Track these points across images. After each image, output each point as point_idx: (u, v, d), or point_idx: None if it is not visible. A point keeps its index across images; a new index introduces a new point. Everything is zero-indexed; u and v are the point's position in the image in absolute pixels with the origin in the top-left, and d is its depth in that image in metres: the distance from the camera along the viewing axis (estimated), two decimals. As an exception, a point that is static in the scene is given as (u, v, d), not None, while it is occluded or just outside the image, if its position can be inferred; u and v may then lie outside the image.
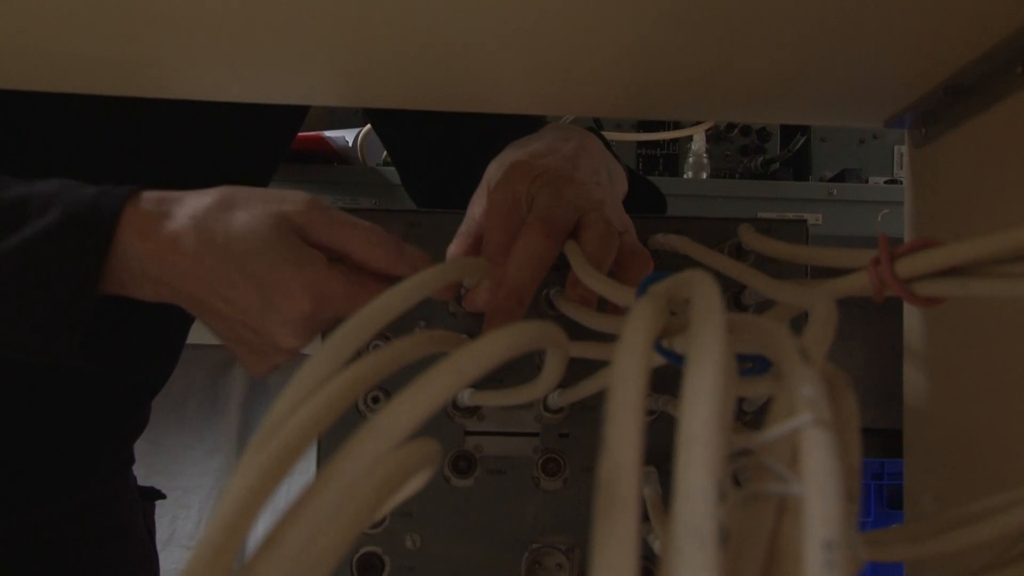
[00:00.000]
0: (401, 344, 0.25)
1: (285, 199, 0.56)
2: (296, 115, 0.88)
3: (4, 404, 0.75)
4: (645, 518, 0.59)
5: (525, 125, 0.76)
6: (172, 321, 0.77)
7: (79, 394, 0.79)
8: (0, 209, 0.55)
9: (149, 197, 0.56)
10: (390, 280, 0.56)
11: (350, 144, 1.47)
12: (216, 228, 0.55)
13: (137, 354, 0.70)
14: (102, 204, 0.55)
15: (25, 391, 0.75)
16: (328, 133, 1.47)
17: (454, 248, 0.61)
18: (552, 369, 0.39)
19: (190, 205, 0.56)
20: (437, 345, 0.29)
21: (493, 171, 0.63)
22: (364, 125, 1.49)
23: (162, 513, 1.92)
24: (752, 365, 0.31)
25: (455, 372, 0.20)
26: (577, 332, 0.48)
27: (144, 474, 2.02)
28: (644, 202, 0.79)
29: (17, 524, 0.76)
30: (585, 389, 0.53)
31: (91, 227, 0.54)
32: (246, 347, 0.58)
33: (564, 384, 0.58)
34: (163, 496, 0.98)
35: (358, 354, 0.25)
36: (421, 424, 0.20)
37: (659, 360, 0.31)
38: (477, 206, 0.63)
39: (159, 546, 1.98)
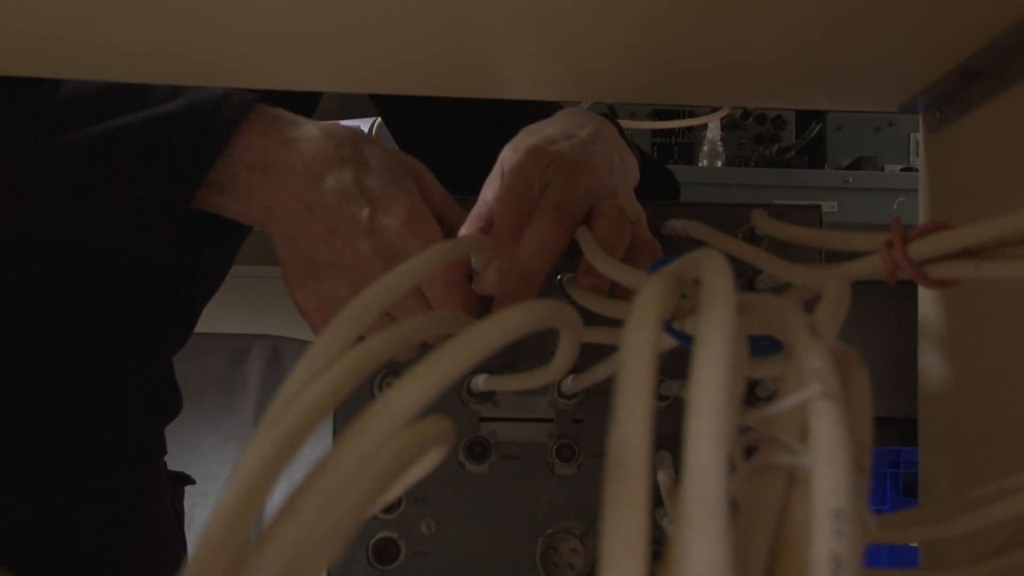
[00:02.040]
0: (413, 322, 0.25)
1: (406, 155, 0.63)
2: (309, 103, 0.88)
3: (28, 383, 0.75)
4: (659, 503, 0.59)
5: (538, 111, 0.76)
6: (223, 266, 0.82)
7: (104, 371, 0.79)
8: (123, 93, 0.57)
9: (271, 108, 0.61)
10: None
11: (365, 133, 1.47)
12: (344, 136, 0.60)
13: (202, 271, 0.74)
14: (231, 98, 0.59)
15: (49, 368, 0.76)
16: (343, 123, 1.47)
17: (466, 230, 0.62)
18: (565, 352, 0.39)
19: (317, 123, 0.61)
20: (448, 326, 0.29)
21: (507, 155, 0.64)
22: (378, 114, 1.49)
23: (179, 501, 1.94)
24: (765, 345, 0.31)
25: (468, 347, 0.20)
26: (590, 320, 0.48)
27: (161, 462, 2.01)
28: (659, 189, 0.79)
29: (42, 506, 0.77)
30: (599, 373, 0.53)
31: (215, 117, 0.58)
32: (307, 273, 0.60)
33: (578, 370, 0.59)
34: (192, 481, 0.98)
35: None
36: (435, 398, 0.20)
37: (670, 342, 0.31)
38: (490, 189, 0.63)
39: (177, 533, 1.98)
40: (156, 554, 0.88)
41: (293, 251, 0.60)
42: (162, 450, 0.92)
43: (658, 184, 0.79)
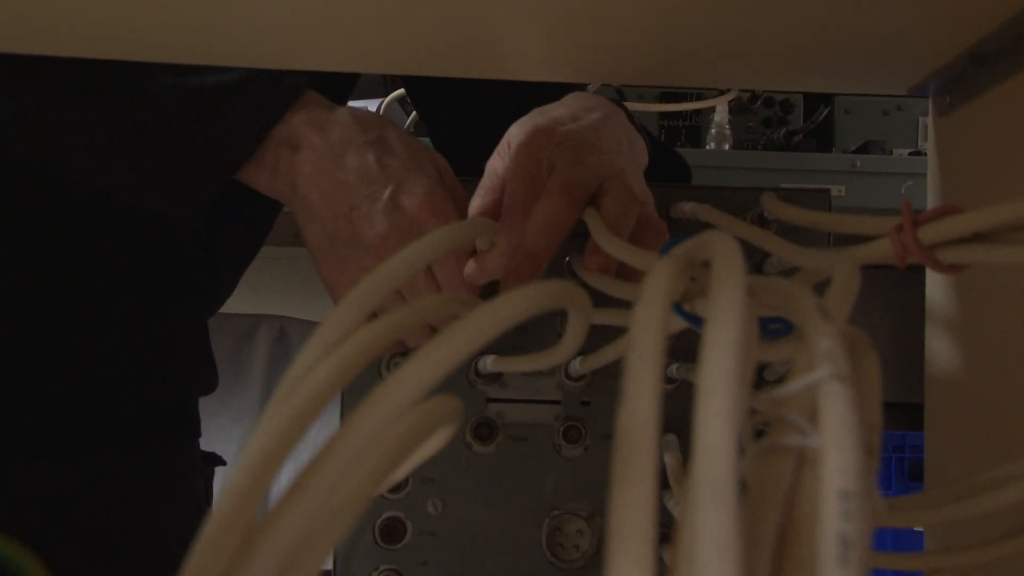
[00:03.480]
0: (424, 302, 0.25)
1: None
2: (345, 85, 0.89)
3: (55, 352, 0.76)
4: (666, 485, 0.59)
5: (559, 95, 0.76)
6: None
7: (130, 342, 0.80)
8: (175, 68, 0.59)
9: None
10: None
11: (390, 120, 1.47)
12: (370, 120, 0.62)
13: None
14: (283, 78, 0.61)
15: (76, 337, 0.76)
16: (352, 103, 1.47)
17: (477, 203, 0.62)
18: (574, 333, 0.39)
19: (348, 108, 0.64)
20: (456, 306, 0.29)
21: (515, 131, 0.64)
22: (386, 95, 1.49)
23: (186, 480, 1.94)
24: (777, 327, 0.31)
25: (477, 328, 0.21)
26: (599, 302, 0.48)
27: (168, 441, 2.01)
28: (670, 173, 0.79)
29: (67, 478, 0.77)
30: (606, 355, 0.53)
31: (270, 94, 0.61)
32: (330, 250, 0.62)
33: (585, 352, 0.59)
34: (224, 463, 0.98)
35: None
36: (445, 377, 0.20)
37: (679, 323, 0.31)
38: (499, 162, 0.63)
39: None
40: (184, 532, 0.88)
41: (317, 228, 0.61)
42: (196, 429, 0.92)
43: (669, 168, 0.79)
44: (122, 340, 0.79)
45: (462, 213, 0.62)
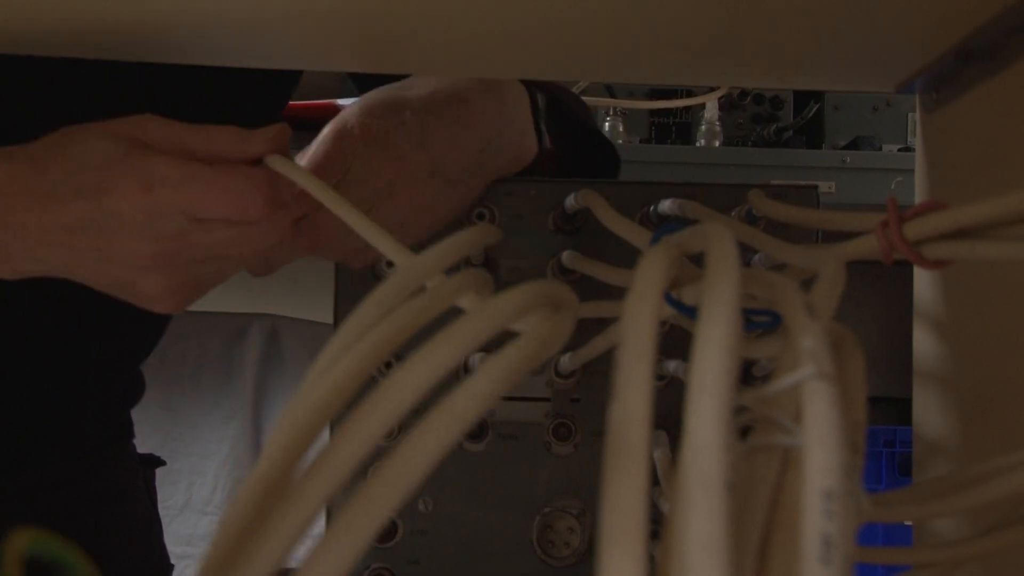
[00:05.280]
0: (444, 287, 0.26)
1: (124, 120, 0.55)
2: (288, 83, 0.88)
3: None
4: (656, 482, 0.59)
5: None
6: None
7: (58, 358, 0.79)
8: None
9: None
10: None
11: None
12: (48, 155, 0.53)
13: None
14: None
15: (17, 359, 0.76)
16: (341, 101, 1.47)
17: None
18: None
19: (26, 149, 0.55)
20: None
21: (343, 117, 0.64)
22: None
23: (178, 479, 1.94)
24: (765, 320, 0.31)
25: (468, 333, 0.21)
26: (586, 296, 0.48)
27: (160, 441, 2.02)
28: (598, 164, 0.79)
29: (11, 488, 0.77)
30: (596, 348, 0.53)
31: None
32: (113, 285, 0.56)
33: (573, 348, 0.59)
34: (163, 463, 0.98)
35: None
36: (433, 385, 0.20)
37: (668, 311, 0.31)
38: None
39: (175, 511, 1.98)
40: (129, 533, 0.88)
41: (104, 286, 0.56)
42: (130, 433, 0.92)
43: (598, 158, 0.79)
44: (53, 357, 0.79)
45: (190, 147, 0.54)
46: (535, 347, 0.21)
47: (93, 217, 0.52)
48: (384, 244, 0.51)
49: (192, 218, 0.53)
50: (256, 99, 0.82)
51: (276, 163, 0.54)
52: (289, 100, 0.90)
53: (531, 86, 0.71)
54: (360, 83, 0.92)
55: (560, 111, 0.73)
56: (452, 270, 0.58)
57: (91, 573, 0.19)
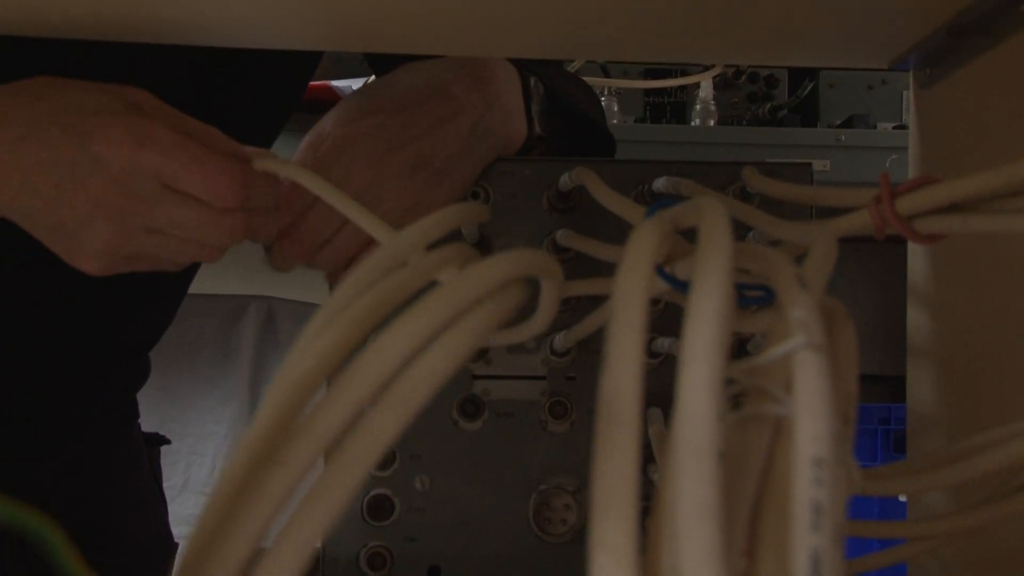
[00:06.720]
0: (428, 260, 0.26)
1: (127, 87, 0.56)
2: (308, 64, 0.87)
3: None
4: (650, 459, 0.59)
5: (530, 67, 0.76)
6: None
7: (73, 349, 0.79)
8: None
9: None
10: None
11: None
12: (42, 92, 0.54)
13: None
14: None
15: (11, 342, 0.76)
16: (335, 83, 1.46)
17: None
18: (547, 301, 0.39)
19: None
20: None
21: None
22: (370, 75, 1.48)
23: (176, 460, 1.94)
24: (759, 295, 0.31)
25: (453, 299, 0.21)
26: (575, 274, 0.48)
27: (158, 422, 2.02)
28: (595, 148, 0.79)
29: (19, 477, 0.77)
30: (591, 326, 0.53)
31: None
32: (58, 235, 0.55)
33: (570, 327, 0.59)
34: (168, 442, 0.99)
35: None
36: (414, 351, 0.21)
37: (660, 286, 0.31)
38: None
39: (174, 492, 1.99)
40: (137, 512, 0.88)
41: (42, 228, 0.55)
42: (135, 413, 0.92)
43: (596, 144, 0.79)
44: (69, 347, 0.79)
45: (191, 128, 0.56)
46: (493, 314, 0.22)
47: (71, 157, 0.53)
48: (367, 222, 0.52)
49: (166, 186, 0.53)
50: (272, 83, 0.82)
51: (264, 159, 0.56)
52: (308, 84, 0.90)
53: (524, 71, 0.71)
54: (374, 63, 0.92)
55: (554, 98, 0.73)
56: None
57: (61, 541, 0.19)
